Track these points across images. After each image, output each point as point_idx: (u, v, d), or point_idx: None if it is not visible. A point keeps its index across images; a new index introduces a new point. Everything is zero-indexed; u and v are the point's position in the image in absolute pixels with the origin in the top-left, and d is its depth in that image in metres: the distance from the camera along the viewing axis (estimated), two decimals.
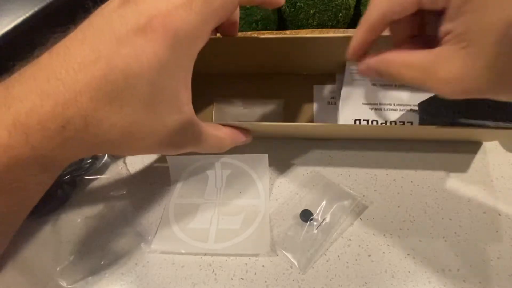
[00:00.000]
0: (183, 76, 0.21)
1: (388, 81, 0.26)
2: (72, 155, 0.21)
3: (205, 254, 0.29)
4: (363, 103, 0.34)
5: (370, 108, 0.34)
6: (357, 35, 0.24)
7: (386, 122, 0.33)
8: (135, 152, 0.24)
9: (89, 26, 0.20)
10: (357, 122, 0.34)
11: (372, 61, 0.24)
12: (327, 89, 0.35)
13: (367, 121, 0.34)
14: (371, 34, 0.24)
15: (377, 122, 0.33)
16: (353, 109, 0.34)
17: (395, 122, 0.33)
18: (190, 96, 0.23)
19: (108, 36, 0.19)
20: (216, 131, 0.26)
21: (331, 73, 0.36)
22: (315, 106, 0.36)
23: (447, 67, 0.19)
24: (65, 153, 0.20)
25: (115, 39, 0.19)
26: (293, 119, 0.35)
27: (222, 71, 0.37)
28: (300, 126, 0.31)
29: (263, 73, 0.38)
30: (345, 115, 0.34)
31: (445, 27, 0.20)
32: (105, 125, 0.19)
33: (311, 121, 0.35)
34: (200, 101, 0.36)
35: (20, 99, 0.18)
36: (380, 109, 0.34)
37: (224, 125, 0.27)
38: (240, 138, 0.28)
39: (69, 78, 0.18)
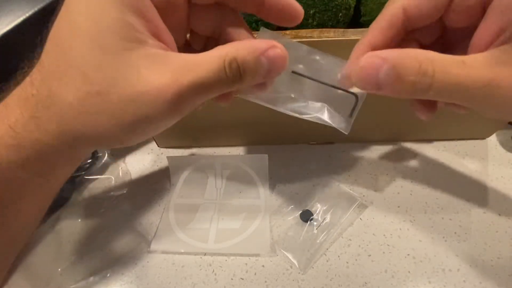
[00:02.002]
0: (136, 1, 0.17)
1: (403, 95, 0.17)
2: (51, 137, 0.18)
3: (205, 254, 0.29)
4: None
5: None
6: (363, 38, 0.20)
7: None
8: (119, 122, 0.17)
9: None
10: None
11: (393, 53, 0.16)
12: None
13: None
14: (385, 32, 0.19)
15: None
16: None
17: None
18: (152, 27, 0.17)
19: None
20: (215, 51, 0.17)
21: None
22: None
23: None
24: (41, 131, 0.18)
25: None
26: None
27: None
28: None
29: None
30: None
31: (492, 26, 0.17)
32: (62, 83, 0.17)
33: None
34: None
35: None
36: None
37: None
38: (262, 45, 0.17)
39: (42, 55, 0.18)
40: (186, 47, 0.22)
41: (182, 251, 0.29)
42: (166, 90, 0.16)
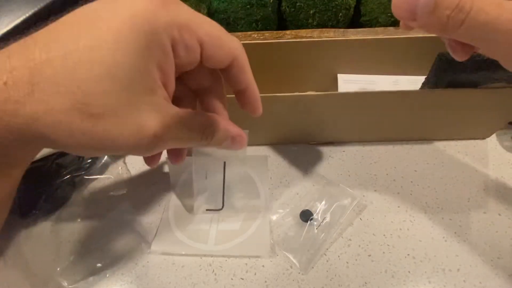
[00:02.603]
0: (162, 55, 0.18)
1: (433, 30, 0.18)
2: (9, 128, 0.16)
3: (205, 255, 0.29)
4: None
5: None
6: None
7: None
8: (88, 141, 0.17)
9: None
10: None
11: None
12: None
13: None
14: None
15: None
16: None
17: None
18: (168, 84, 0.19)
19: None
20: (202, 118, 0.21)
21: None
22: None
23: None
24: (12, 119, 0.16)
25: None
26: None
27: None
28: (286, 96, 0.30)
29: None
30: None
31: None
32: (51, 82, 0.16)
33: None
34: None
35: None
36: None
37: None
38: (234, 131, 0.23)
39: (25, 42, 0.17)
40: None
41: (183, 253, 0.29)
42: (154, 140, 0.18)
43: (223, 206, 0.31)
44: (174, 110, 0.20)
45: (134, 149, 0.19)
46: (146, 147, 0.19)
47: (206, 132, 0.21)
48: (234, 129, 0.23)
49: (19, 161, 0.19)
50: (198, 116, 0.21)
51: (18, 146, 0.18)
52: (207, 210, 0.31)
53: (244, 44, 0.32)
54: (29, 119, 0.16)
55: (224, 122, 0.22)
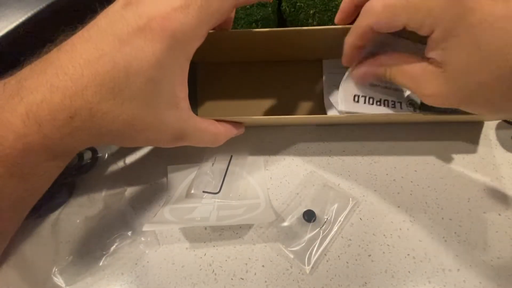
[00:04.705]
0: (180, 74, 0.23)
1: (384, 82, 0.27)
2: (79, 144, 0.22)
3: (206, 227, 0.29)
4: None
5: (371, 85, 0.32)
6: (347, 41, 0.27)
7: (387, 100, 0.32)
8: (136, 143, 0.25)
9: (94, 26, 0.21)
10: (356, 97, 0.32)
11: (367, 64, 0.27)
12: (337, 62, 0.35)
13: (365, 97, 0.32)
14: (360, 40, 0.26)
15: (377, 101, 0.32)
16: (354, 86, 0.32)
17: (394, 102, 0.32)
18: (186, 92, 0.24)
19: (111, 36, 0.20)
20: (211, 127, 0.28)
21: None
22: (324, 80, 0.36)
23: (429, 85, 0.23)
24: (74, 142, 0.22)
25: (117, 39, 0.20)
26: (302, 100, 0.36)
27: (224, 61, 0.37)
28: (290, 118, 0.33)
29: (269, 61, 0.38)
30: (346, 91, 0.33)
31: (428, 49, 0.23)
32: (108, 117, 0.21)
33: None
34: (206, 92, 0.37)
35: (32, 91, 0.20)
36: (385, 87, 0.32)
37: (218, 120, 0.29)
38: (233, 132, 0.30)
39: (75, 73, 0.20)
40: None
41: (183, 226, 0.29)
42: (178, 143, 0.26)
43: (219, 191, 0.32)
44: (193, 121, 0.25)
45: (164, 145, 0.26)
46: (170, 145, 0.26)
47: (218, 139, 0.28)
48: (232, 131, 0.30)
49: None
50: (208, 130, 0.27)
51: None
52: (203, 191, 0.32)
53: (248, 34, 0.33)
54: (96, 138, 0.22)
55: (224, 129, 0.29)
